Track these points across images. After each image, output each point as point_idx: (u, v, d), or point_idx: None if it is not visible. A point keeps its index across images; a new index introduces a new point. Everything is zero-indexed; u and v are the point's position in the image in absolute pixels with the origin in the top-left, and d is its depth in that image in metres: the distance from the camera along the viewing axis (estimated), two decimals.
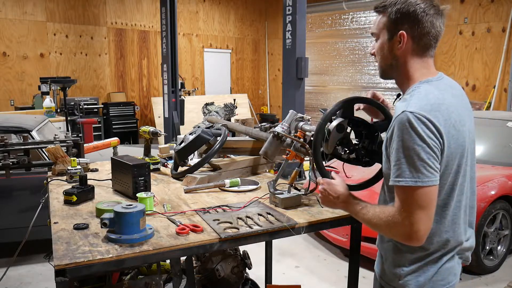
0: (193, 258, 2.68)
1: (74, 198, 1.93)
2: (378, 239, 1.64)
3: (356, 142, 1.74)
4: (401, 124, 1.32)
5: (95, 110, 8.62)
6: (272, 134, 2.00)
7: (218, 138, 2.37)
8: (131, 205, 1.56)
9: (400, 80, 1.50)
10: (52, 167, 2.51)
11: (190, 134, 2.42)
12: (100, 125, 8.41)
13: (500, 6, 7.55)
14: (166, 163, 2.66)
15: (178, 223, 1.68)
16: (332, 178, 1.64)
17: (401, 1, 1.43)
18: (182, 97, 8.38)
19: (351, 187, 1.71)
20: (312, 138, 1.73)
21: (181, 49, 10.42)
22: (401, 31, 1.43)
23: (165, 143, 5.82)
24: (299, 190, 2.03)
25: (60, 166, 2.48)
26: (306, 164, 1.96)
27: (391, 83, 9.30)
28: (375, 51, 1.54)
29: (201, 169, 2.35)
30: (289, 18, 5.95)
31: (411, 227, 1.33)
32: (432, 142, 1.30)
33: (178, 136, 3.01)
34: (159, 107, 8.89)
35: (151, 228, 1.58)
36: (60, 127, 6.05)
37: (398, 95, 1.55)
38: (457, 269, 1.51)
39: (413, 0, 1.41)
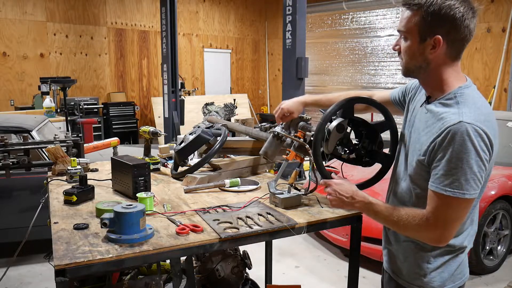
0: (193, 258, 2.68)
1: (74, 198, 1.93)
2: (391, 239, 1.63)
3: (356, 142, 1.74)
4: (458, 135, 1.29)
5: (95, 110, 8.62)
6: (272, 134, 2.00)
7: (218, 138, 2.37)
8: (131, 205, 1.56)
9: (429, 82, 1.46)
10: (52, 167, 2.51)
11: (190, 134, 2.42)
12: (100, 125, 8.41)
13: (500, 6, 7.55)
14: (166, 163, 2.66)
15: (178, 223, 1.68)
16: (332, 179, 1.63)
17: (438, 2, 1.32)
18: (182, 97, 8.38)
19: None
20: (312, 138, 1.73)
21: (181, 49, 10.42)
22: (436, 36, 1.35)
23: (165, 143, 5.82)
24: (299, 190, 2.03)
25: (60, 166, 2.48)
26: (306, 164, 1.96)
27: (391, 83, 9.30)
28: (400, 50, 1.45)
29: (201, 169, 2.35)
30: (289, 18, 5.95)
31: (443, 233, 1.37)
32: (484, 156, 1.31)
33: (178, 136, 3.01)
34: (159, 107, 8.89)
35: (151, 228, 1.58)
36: (60, 127, 6.05)
37: (428, 97, 1.50)
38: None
39: (451, 2, 1.32)
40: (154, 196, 1.85)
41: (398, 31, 1.45)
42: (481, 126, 1.30)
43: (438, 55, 1.38)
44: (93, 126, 7.65)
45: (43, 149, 3.14)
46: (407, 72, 1.48)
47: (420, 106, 1.52)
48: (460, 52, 1.42)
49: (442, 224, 1.35)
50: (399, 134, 1.68)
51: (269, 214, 1.80)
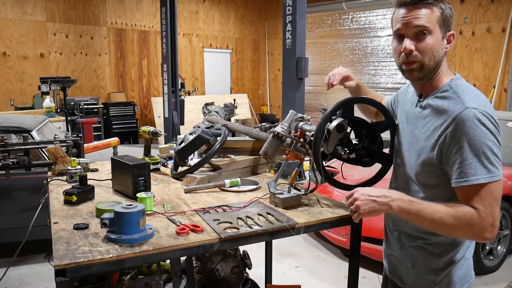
0: (193, 258, 2.68)
1: (74, 198, 1.93)
2: (395, 246, 1.60)
3: (356, 142, 1.74)
4: (468, 121, 1.29)
5: (95, 110, 8.62)
6: (272, 134, 1.99)
7: (218, 138, 2.37)
8: (131, 205, 1.56)
9: (429, 80, 1.44)
10: (52, 167, 2.51)
11: (190, 134, 2.42)
12: (100, 125, 8.41)
13: (500, 6, 7.55)
14: (166, 163, 2.66)
15: (178, 223, 1.67)
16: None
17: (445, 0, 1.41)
18: (182, 97, 8.37)
19: (351, 187, 1.70)
20: (312, 138, 1.73)
21: (181, 49, 10.42)
22: (452, 32, 1.42)
23: (165, 143, 5.82)
24: (299, 190, 2.02)
25: (60, 166, 2.48)
26: (306, 164, 1.96)
27: (391, 83, 9.29)
28: (424, 49, 1.38)
29: (201, 169, 2.35)
30: (289, 18, 5.95)
31: (493, 223, 1.31)
32: (498, 137, 1.32)
33: (178, 136, 3.01)
34: (159, 107, 8.89)
35: (151, 228, 1.58)
36: (60, 127, 6.05)
37: (420, 96, 1.50)
38: None
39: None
40: (154, 196, 1.85)
41: (418, 26, 1.36)
42: (486, 110, 1.31)
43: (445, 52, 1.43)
44: (93, 126, 7.65)
45: (43, 149, 3.14)
46: (424, 72, 1.41)
47: (415, 107, 1.51)
48: None
49: (489, 214, 1.30)
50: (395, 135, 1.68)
51: (269, 214, 1.79)
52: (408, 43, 1.38)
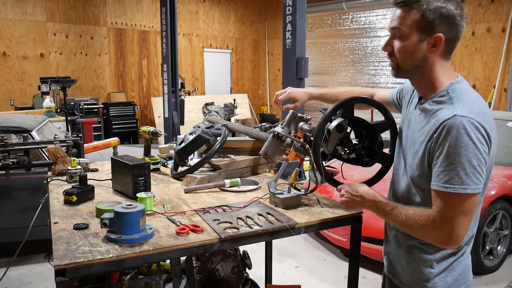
0: (193, 258, 2.68)
1: (74, 198, 1.93)
2: (393, 244, 1.61)
3: (356, 142, 1.74)
4: (453, 129, 1.27)
5: (95, 110, 8.62)
6: (272, 134, 2.00)
7: (218, 138, 2.37)
8: (131, 205, 1.56)
9: (422, 82, 1.44)
10: (52, 167, 2.51)
11: (190, 134, 2.42)
12: (100, 125, 8.40)
13: (500, 6, 7.55)
14: (166, 163, 2.66)
15: (178, 223, 1.68)
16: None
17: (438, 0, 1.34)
18: (182, 97, 8.38)
19: None
20: (312, 138, 1.73)
21: (181, 49, 10.42)
22: (438, 34, 1.34)
23: (165, 143, 5.82)
24: (299, 190, 2.02)
25: (60, 166, 2.48)
26: (306, 164, 1.96)
27: (391, 83, 9.29)
28: (394, 50, 1.42)
29: (201, 169, 2.35)
30: (289, 18, 5.95)
31: (451, 233, 1.32)
32: (483, 148, 1.28)
33: (178, 136, 3.01)
34: (159, 107, 8.89)
35: (151, 228, 1.58)
36: (60, 127, 6.05)
37: (420, 98, 1.49)
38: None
39: (448, 1, 1.34)
40: (154, 196, 1.85)
41: (393, 28, 1.41)
42: (476, 118, 1.28)
43: (435, 54, 1.38)
44: (93, 126, 7.65)
45: (43, 149, 3.14)
46: (401, 73, 1.45)
47: (414, 108, 1.51)
48: (452, 52, 1.42)
49: (448, 223, 1.31)
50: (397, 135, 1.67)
51: (269, 214, 1.79)
52: (385, 43, 1.44)
